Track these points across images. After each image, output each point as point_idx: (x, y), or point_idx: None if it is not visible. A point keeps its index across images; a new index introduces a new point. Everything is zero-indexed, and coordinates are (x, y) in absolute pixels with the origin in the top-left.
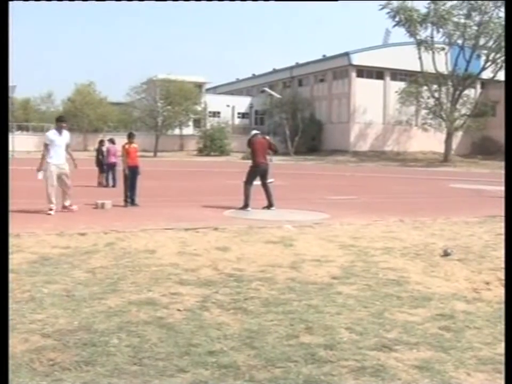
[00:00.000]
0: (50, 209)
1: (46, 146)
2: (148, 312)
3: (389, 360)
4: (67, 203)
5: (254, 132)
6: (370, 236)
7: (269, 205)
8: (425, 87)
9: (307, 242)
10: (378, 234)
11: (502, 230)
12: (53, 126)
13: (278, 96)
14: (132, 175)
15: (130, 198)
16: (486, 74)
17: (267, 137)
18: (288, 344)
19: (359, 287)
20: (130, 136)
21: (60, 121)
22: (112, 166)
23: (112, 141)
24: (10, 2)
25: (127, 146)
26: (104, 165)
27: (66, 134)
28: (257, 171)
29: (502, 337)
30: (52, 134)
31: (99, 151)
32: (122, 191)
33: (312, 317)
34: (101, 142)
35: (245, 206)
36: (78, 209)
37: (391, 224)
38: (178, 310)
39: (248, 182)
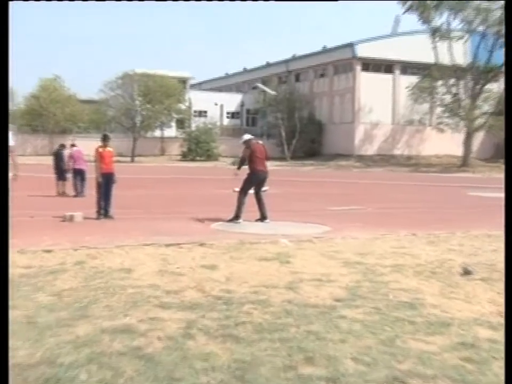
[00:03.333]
0: None
1: None
2: (123, 341)
3: None
4: None
5: (248, 136)
6: (379, 252)
7: (262, 217)
8: (440, 82)
9: (306, 259)
10: (387, 250)
11: None
12: (13, 126)
13: (273, 93)
14: (106, 183)
15: (104, 209)
16: None
17: (260, 141)
18: (285, 377)
19: (366, 310)
20: (105, 139)
21: None
22: (80, 173)
23: (73, 145)
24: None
25: (100, 150)
26: (64, 172)
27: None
28: (256, 179)
29: None
30: None
31: (57, 155)
32: (95, 202)
33: (313, 345)
34: (62, 146)
35: (236, 217)
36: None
37: (402, 238)
38: (159, 338)
39: (244, 191)
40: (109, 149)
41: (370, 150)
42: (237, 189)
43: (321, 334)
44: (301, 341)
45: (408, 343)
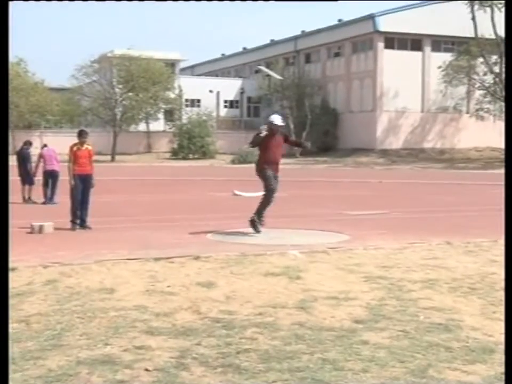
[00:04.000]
0: None
1: None
2: (104, 375)
3: None
4: None
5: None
6: (406, 264)
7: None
8: (480, 59)
9: (320, 273)
10: (416, 262)
11: None
12: None
13: (278, 77)
14: (82, 187)
15: (80, 218)
16: None
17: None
18: None
19: (392, 334)
20: (81, 135)
21: None
22: (52, 175)
23: (45, 145)
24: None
25: (75, 148)
26: (32, 174)
27: None
28: None
29: None
30: None
31: (22, 154)
32: (68, 209)
33: (329, 375)
34: (26, 143)
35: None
36: None
37: (435, 247)
38: (147, 370)
39: None
40: (87, 147)
41: (396, 143)
42: (238, 192)
43: (339, 363)
44: (315, 371)
45: (443, 373)
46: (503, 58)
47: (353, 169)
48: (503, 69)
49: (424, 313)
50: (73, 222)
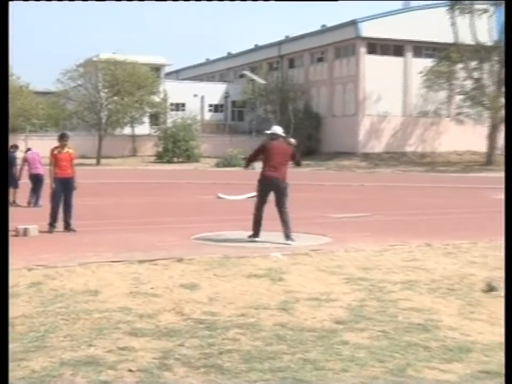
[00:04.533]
0: None
1: None
2: (88, 375)
3: None
4: None
5: (279, 129)
6: (387, 266)
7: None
8: (460, 65)
9: (302, 275)
10: (397, 264)
11: None
12: None
13: (262, 81)
14: (64, 190)
15: (64, 221)
16: None
17: (292, 140)
18: None
19: (372, 334)
20: (62, 139)
21: None
22: (37, 179)
23: (29, 149)
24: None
25: (56, 152)
26: (16, 178)
27: None
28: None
29: None
30: None
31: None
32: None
33: (310, 375)
34: (13, 146)
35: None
36: None
37: (415, 249)
38: (130, 370)
39: (258, 202)
40: (68, 150)
41: (378, 147)
42: (221, 195)
43: (320, 363)
44: (296, 370)
45: (421, 372)
46: (483, 64)
47: (336, 172)
48: (483, 74)
49: (404, 314)
50: (50, 224)
